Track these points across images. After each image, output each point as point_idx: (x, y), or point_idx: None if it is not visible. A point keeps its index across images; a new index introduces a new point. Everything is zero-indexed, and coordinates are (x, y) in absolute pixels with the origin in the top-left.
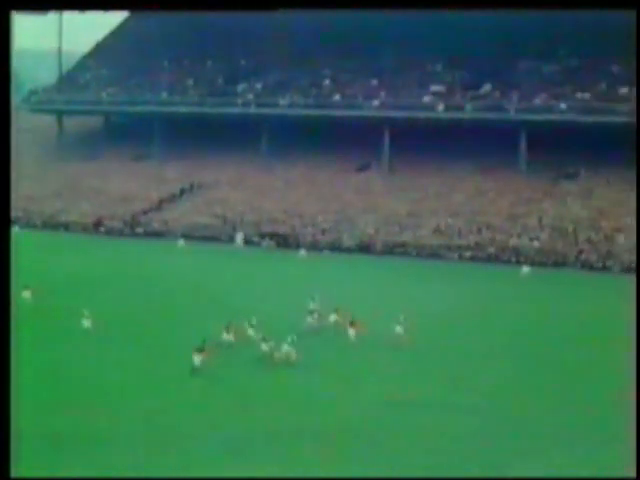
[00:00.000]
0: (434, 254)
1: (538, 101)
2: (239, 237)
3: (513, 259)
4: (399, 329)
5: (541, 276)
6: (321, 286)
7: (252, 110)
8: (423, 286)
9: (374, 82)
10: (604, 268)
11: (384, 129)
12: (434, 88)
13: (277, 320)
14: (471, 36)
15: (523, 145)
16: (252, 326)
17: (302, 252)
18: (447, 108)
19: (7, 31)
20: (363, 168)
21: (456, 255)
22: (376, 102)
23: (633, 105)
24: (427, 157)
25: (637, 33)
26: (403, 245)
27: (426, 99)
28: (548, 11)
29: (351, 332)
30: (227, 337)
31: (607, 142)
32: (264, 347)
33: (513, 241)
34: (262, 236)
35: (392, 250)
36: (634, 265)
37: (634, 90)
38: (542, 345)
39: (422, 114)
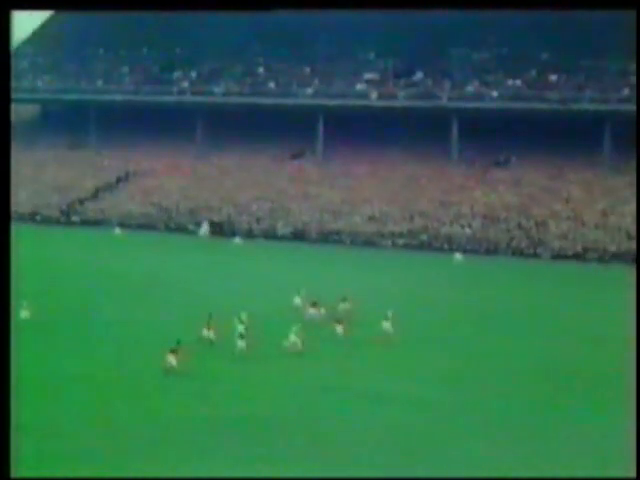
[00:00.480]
0: (368, 241)
1: (469, 89)
2: (204, 226)
3: (446, 246)
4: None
5: (473, 263)
6: (256, 274)
7: (187, 98)
8: (357, 273)
9: (307, 70)
10: (535, 255)
11: (318, 117)
12: (367, 76)
13: (214, 307)
14: (403, 24)
15: (455, 133)
16: (242, 322)
17: (237, 240)
18: (380, 96)
19: (7, 31)
20: (297, 156)
21: (389, 242)
22: (310, 90)
23: (563, 92)
24: (360, 145)
25: (637, 33)
26: (337, 233)
27: (359, 87)
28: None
29: (338, 329)
30: (207, 333)
31: (537, 129)
32: (240, 344)
33: (445, 229)
34: (198, 224)
35: (326, 238)
36: (564, 252)
37: (563, 77)
38: (475, 332)
39: (355, 102)
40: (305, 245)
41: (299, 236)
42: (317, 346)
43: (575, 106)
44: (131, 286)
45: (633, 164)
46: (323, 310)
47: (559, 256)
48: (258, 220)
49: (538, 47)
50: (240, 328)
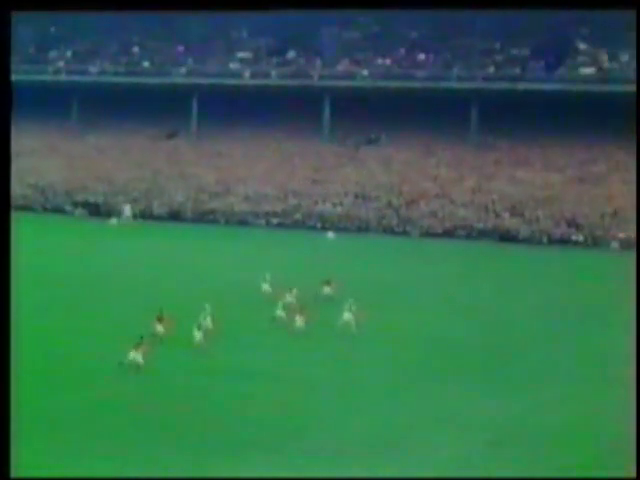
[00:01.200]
0: (242, 221)
1: (340, 67)
2: (126, 210)
3: (319, 225)
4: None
5: (345, 241)
6: (131, 255)
7: (63, 78)
8: (231, 253)
9: (181, 49)
10: (404, 233)
11: (192, 96)
12: (240, 55)
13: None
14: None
15: (327, 111)
16: (210, 315)
17: (113, 221)
18: (253, 75)
19: (7, 31)
20: (172, 135)
21: (264, 222)
22: (183, 69)
23: (431, 70)
24: (235, 124)
25: (637, 33)
26: (212, 212)
27: (232, 66)
28: None
29: (298, 320)
30: (159, 328)
31: (406, 107)
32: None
33: (318, 207)
34: (75, 205)
35: (202, 218)
36: (433, 230)
37: (431, 56)
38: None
39: (229, 81)
40: (180, 225)
41: (174, 216)
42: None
43: (443, 84)
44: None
45: (501, 141)
46: None
47: (428, 234)
48: (134, 200)
49: (407, 26)
50: (202, 319)
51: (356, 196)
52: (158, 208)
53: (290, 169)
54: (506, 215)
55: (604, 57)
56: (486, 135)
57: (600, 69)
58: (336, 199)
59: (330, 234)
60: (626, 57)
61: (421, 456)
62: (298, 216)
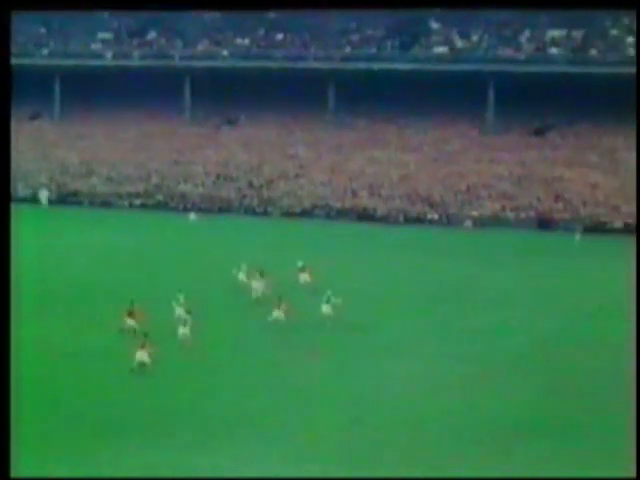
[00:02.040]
0: (105, 202)
1: (200, 48)
2: (43, 195)
3: (181, 206)
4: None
5: (207, 222)
6: None
7: None
8: (94, 234)
9: (43, 30)
10: (265, 213)
11: (54, 77)
12: (101, 35)
13: None
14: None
15: (187, 92)
16: (180, 305)
17: None
18: (115, 56)
19: (7, 31)
20: (35, 117)
21: (126, 203)
22: (45, 50)
23: (289, 50)
24: (97, 105)
25: (637, 33)
26: (75, 194)
27: (94, 47)
28: None
29: (277, 313)
30: (130, 322)
31: (265, 88)
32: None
33: (180, 188)
34: None
35: (65, 199)
36: (292, 210)
37: (290, 36)
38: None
39: (90, 62)
40: (41, 207)
41: (37, 199)
42: None
43: (300, 64)
44: None
45: (358, 121)
46: None
47: (288, 213)
48: None
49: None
50: (179, 311)
51: (217, 177)
52: (22, 190)
53: (152, 149)
54: (364, 194)
55: (456, 37)
56: (344, 115)
57: (452, 49)
58: (198, 180)
59: (192, 215)
60: (476, 37)
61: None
62: (160, 197)
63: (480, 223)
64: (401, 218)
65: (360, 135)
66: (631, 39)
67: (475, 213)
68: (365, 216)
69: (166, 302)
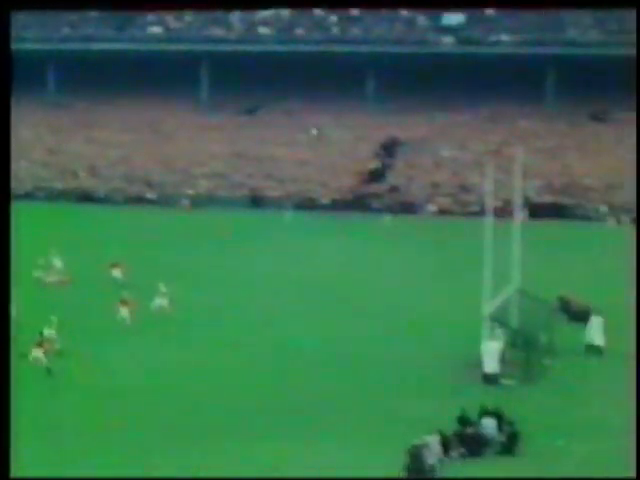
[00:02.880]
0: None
1: None
2: None
3: None
4: None
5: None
6: None
7: None
8: None
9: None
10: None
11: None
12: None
13: None
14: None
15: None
16: (50, 327)
17: None
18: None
19: (7, 31)
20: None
21: None
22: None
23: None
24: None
25: (637, 33)
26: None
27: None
28: None
29: (123, 312)
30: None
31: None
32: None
33: None
34: None
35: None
36: (15, 192)
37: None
38: None
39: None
40: None
41: None
42: None
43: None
44: None
45: (78, 102)
46: None
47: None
48: None
49: None
50: (47, 333)
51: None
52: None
53: None
54: (83, 175)
55: (170, 17)
56: (63, 95)
57: (167, 29)
58: None
59: None
60: (190, 17)
61: None
62: None
63: (196, 202)
64: (120, 198)
65: (79, 116)
66: (334, 17)
67: (191, 192)
68: (85, 197)
69: None
